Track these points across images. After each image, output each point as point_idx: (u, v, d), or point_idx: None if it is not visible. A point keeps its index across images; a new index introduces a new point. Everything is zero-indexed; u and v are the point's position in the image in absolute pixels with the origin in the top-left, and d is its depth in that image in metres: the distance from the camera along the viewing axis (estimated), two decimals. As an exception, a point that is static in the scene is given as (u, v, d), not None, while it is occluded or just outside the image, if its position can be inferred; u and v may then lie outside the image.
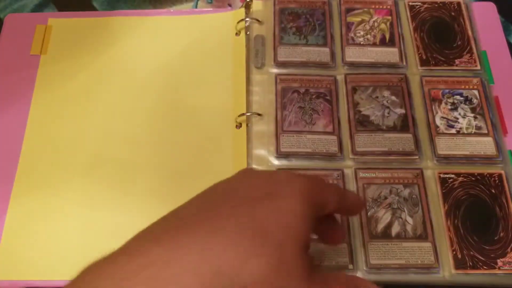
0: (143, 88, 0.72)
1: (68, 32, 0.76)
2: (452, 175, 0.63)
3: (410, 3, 0.76)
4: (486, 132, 0.66)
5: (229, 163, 0.66)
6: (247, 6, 0.76)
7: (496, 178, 0.63)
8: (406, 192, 0.62)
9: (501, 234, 0.60)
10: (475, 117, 0.67)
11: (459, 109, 0.68)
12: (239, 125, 0.68)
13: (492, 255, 0.59)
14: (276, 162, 0.64)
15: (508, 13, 0.78)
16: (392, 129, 0.66)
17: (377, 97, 0.68)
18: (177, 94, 0.71)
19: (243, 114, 0.67)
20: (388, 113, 0.67)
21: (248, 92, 0.69)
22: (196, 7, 0.80)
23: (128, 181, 0.65)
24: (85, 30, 0.76)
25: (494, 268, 0.58)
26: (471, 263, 0.58)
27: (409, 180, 0.63)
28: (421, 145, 0.65)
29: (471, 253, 0.59)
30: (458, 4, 0.76)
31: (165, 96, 0.71)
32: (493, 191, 0.63)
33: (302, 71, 0.71)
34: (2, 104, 0.70)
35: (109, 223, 0.63)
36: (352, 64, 0.71)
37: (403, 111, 0.67)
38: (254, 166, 0.64)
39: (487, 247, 0.59)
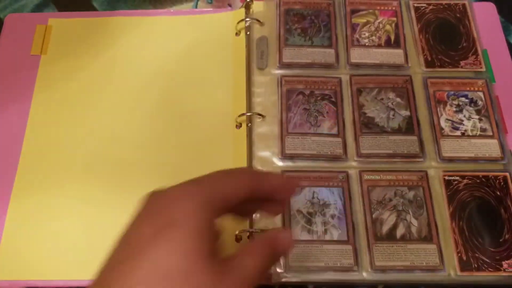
0: (143, 88, 0.71)
1: (68, 32, 0.75)
2: (457, 177, 0.64)
3: (415, 5, 0.76)
4: (491, 134, 0.66)
5: (230, 163, 0.65)
6: (247, 6, 0.75)
7: (501, 180, 0.64)
8: (410, 194, 0.62)
9: (506, 236, 0.60)
10: (480, 119, 0.67)
11: (464, 111, 0.68)
12: (239, 125, 0.68)
13: (497, 257, 0.59)
14: (280, 163, 0.64)
15: (508, 13, 0.78)
16: (397, 131, 0.66)
17: (382, 99, 0.68)
18: (177, 94, 0.71)
19: (243, 114, 0.67)
20: (393, 115, 0.67)
21: (250, 93, 0.69)
22: (196, 7, 0.80)
23: (129, 181, 0.65)
24: (85, 30, 0.76)
25: (499, 270, 0.58)
26: (476, 265, 0.59)
27: (413, 183, 0.63)
28: (425, 147, 0.66)
29: (476, 255, 0.59)
30: (463, 5, 0.76)
31: (165, 96, 0.71)
32: (498, 193, 0.63)
33: (307, 72, 0.70)
34: (2, 104, 0.70)
35: (109, 223, 0.62)
36: (357, 66, 0.71)
37: (408, 113, 0.67)
38: (259, 168, 0.64)
39: (492, 249, 0.60)
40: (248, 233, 0.61)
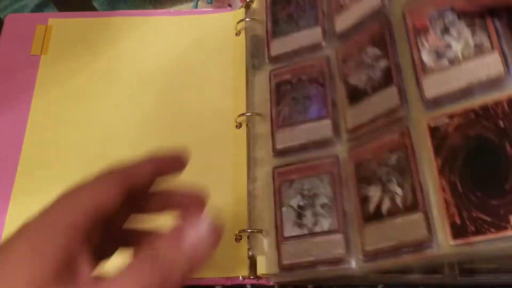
0: (143, 88, 0.72)
1: (68, 32, 0.77)
2: (445, 120, 0.50)
3: None
4: (489, 46, 0.50)
5: (229, 163, 0.66)
6: (247, 6, 0.75)
7: (506, 105, 0.47)
8: (393, 159, 0.52)
9: None
10: (473, 32, 0.51)
11: (451, 30, 0.53)
12: (239, 125, 0.67)
13: (501, 211, 0.44)
14: (274, 160, 0.62)
15: (508, 13, 0.76)
16: (377, 88, 0.57)
17: (362, 60, 0.60)
18: (177, 94, 0.71)
19: (242, 114, 0.67)
20: (373, 73, 0.58)
21: (248, 92, 0.69)
22: (196, 7, 0.80)
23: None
24: (85, 30, 0.77)
25: (506, 228, 0.43)
26: (473, 228, 0.45)
27: (395, 143, 0.53)
28: (406, 95, 0.54)
29: (473, 214, 0.45)
30: None
31: (165, 96, 0.71)
32: (501, 124, 0.47)
33: (294, 60, 0.66)
34: (2, 105, 0.71)
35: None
36: (342, 35, 0.64)
37: (385, 63, 0.57)
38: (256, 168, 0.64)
39: (495, 203, 0.45)
40: (248, 234, 0.60)
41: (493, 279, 0.54)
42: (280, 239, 0.57)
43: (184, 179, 0.61)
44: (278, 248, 0.57)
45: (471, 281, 0.53)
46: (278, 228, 0.58)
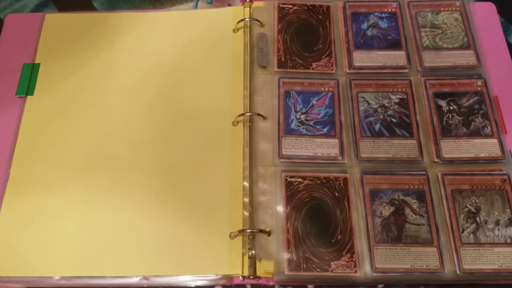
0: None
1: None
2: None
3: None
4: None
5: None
6: (248, 6, 0.76)
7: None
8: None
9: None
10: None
11: None
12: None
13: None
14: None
15: (508, 13, 0.78)
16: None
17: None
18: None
19: (242, 114, 0.67)
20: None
21: (252, 91, 0.69)
22: (196, 7, 0.80)
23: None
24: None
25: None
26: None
27: None
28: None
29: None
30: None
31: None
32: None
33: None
34: (1, 104, 0.70)
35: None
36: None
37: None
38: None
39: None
40: (248, 233, 0.61)
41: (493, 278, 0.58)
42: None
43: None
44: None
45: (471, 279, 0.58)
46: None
